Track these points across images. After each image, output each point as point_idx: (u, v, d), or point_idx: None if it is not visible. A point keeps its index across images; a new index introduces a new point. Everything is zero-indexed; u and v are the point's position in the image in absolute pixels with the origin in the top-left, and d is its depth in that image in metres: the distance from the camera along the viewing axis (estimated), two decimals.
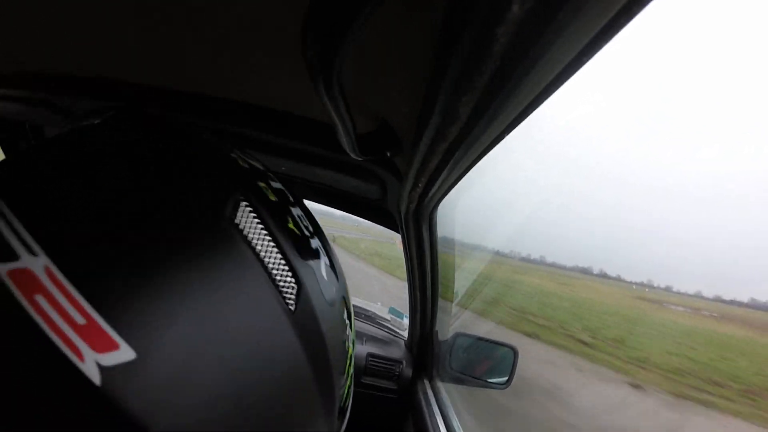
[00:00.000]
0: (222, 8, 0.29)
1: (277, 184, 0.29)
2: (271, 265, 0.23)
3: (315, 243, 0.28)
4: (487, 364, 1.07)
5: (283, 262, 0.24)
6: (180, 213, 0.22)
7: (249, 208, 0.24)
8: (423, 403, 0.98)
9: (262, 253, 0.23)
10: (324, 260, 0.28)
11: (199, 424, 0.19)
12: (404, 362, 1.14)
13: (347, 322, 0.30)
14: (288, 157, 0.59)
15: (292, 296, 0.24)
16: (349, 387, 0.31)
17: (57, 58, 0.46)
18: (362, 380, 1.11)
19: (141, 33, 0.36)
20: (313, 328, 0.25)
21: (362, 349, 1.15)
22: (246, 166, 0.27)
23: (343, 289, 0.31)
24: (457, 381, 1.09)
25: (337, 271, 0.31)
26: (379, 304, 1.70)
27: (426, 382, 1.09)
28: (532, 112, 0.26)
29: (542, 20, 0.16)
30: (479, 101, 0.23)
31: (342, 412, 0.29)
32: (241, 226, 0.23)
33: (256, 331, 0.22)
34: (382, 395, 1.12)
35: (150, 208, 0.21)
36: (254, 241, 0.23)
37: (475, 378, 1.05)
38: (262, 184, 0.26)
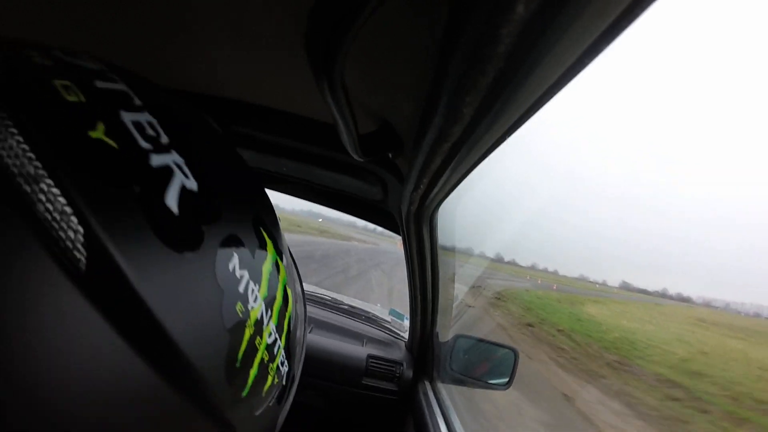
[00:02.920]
0: (225, 8, 0.29)
1: (105, 76, 0.20)
2: (60, 236, 0.14)
3: (162, 159, 0.18)
4: (487, 366, 1.07)
5: (81, 226, 0.15)
6: None
7: (14, 132, 0.14)
8: (423, 404, 0.98)
9: (45, 213, 0.14)
10: (179, 180, 0.18)
11: None
12: (405, 364, 1.14)
13: (248, 287, 0.21)
14: (289, 158, 0.59)
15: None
16: (258, 374, 0.22)
17: None
18: (363, 381, 1.10)
19: (141, 34, 0.36)
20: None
21: (363, 351, 1.15)
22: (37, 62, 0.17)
23: (236, 218, 0.21)
24: (458, 382, 1.09)
25: (215, 190, 0.21)
26: (379, 305, 1.70)
27: (426, 383, 1.09)
28: (535, 113, 0.26)
29: (546, 21, 0.16)
30: (482, 102, 0.23)
31: (252, 399, 0.22)
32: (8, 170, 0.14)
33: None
34: (382, 397, 1.11)
35: None
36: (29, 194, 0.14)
37: (476, 379, 1.05)
38: (58, 82, 0.17)
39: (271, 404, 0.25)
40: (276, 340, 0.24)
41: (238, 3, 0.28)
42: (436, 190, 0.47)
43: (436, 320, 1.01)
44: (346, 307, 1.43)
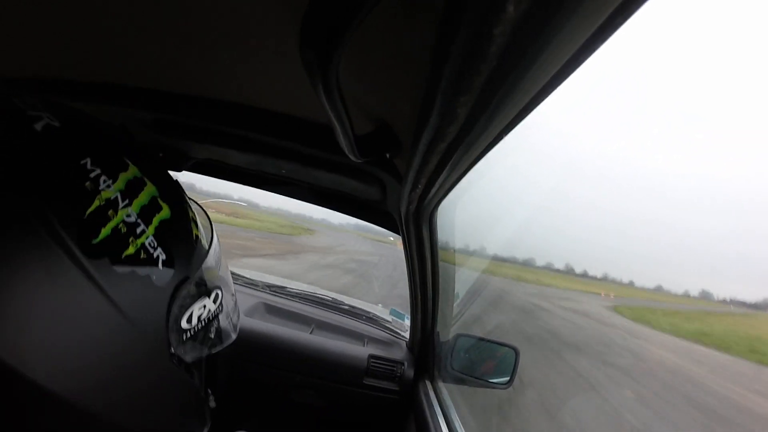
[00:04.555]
0: (220, 10, 0.29)
1: None
2: None
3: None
4: (488, 365, 1.07)
5: None
6: None
7: None
8: (425, 403, 0.98)
9: None
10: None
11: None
12: (406, 363, 1.14)
13: (99, 177, 0.34)
14: (287, 159, 0.59)
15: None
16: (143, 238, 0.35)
17: (55, 61, 0.46)
18: (364, 381, 1.11)
19: (140, 36, 0.36)
20: None
21: (364, 351, 1.15)
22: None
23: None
24: (459, 381, 1.09)
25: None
26: (380, 305, 1.70)
27: (427, 382, 1.09)
28: (530, 112, 0.26)
29: (538, 21, 0.17)
30: (477, 101, 0.23)
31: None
32: None
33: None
34: (384, 396, 1.11)
35: None
36: None
37: (477, 378, 1.05)
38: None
39: (140, 274, 0.35)
40: (138, 223, 0.35)
41: (233, 5, 0.28)
42: (434, 189, 0.47)
43: (437, 320, 1.01)
44: (346, 307, 1.43)
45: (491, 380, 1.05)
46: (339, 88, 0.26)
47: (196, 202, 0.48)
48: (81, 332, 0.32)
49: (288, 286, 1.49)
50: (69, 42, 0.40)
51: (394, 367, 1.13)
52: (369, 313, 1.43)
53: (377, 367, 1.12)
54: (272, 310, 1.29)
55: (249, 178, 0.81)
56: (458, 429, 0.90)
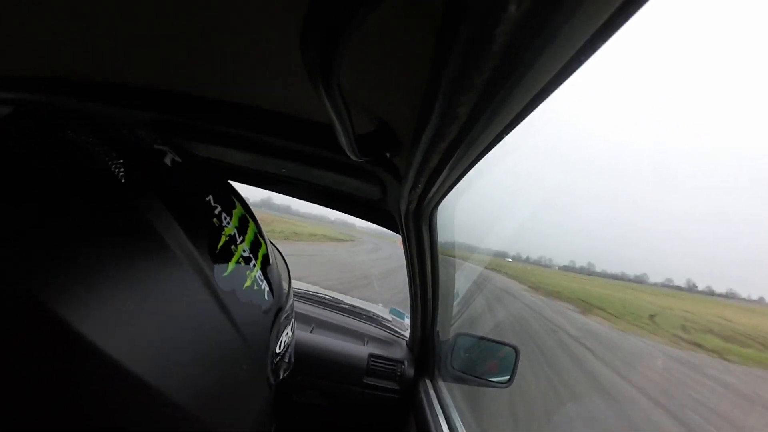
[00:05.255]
0: (221, 10, 0.29)
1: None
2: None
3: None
4: (488, 364, 1.07)
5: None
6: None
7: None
8: (425, 402, 0.98)
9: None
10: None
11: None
12: (406, 362, 1.14)
13: (221, 214, 0.36)
14: (288, 159, 0.59)
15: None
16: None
17: (55, 60, 0.46)
18: (364, 380, 1.11)
19: (140, 36, 0.36)
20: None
21: (364, 350, 1.15)
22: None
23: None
24: (459, 380, 1.09)
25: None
26: (380, 305, 1.70)
27: (428, 381, 1.09)
28: (531, 111, 0.26)
29: (539, 20, 0.16)
30: (478, 101, 0.23)
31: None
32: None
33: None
34: (384, 395, 1.12)
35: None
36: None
37: (477, 377, 1.05)
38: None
39: (254, 302, 0.37)
40: (251, 258, 0.37)
41: (233, 5, 0.28)
42: (434, 189, 0.47)
43: (437, 319, 1.02)
44: (347, 306, 1.43)
45: (492, 379, 1.05)
46: (340, 88, 0.26)
47: (270, 242, 0.50)
48: (206, 352, 0.31)
49: None
50: (68, 41, 0.40)
51: (394, 366, 1.13)
52: (369, 312, 1.43)
53: (377, 367, 1.12)
54: None
55: (249, 176, 0.81)
56: (458, 428, 0.90)
